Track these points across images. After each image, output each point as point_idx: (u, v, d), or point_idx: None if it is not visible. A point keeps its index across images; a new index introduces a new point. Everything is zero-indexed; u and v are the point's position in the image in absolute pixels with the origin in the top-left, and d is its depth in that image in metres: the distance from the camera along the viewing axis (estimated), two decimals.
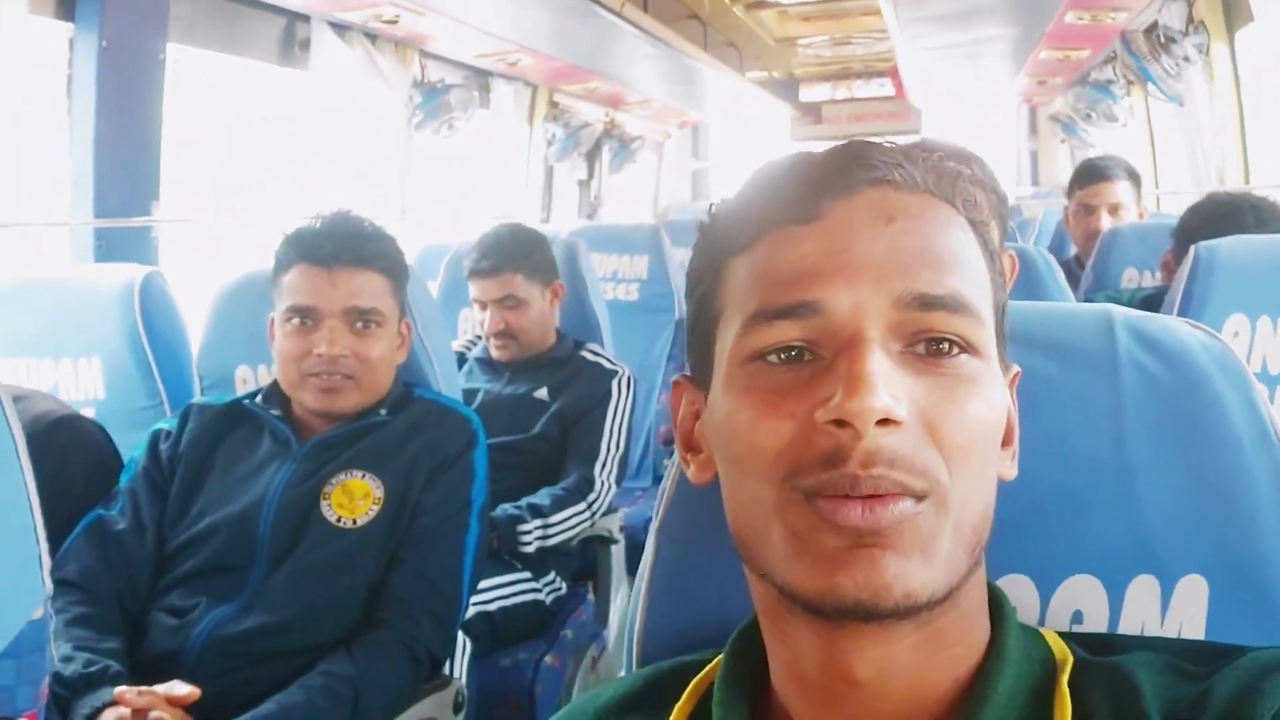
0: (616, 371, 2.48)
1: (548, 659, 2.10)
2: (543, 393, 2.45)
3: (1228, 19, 3.27)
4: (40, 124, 2.43)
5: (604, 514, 2.37)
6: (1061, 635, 0.64)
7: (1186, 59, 3.40)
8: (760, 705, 0.65)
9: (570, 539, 2.28)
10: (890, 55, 7.38)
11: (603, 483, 2.34)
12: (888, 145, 0.62)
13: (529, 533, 2.18)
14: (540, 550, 2.21)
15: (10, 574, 1.00)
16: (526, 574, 2.20)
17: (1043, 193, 6.72)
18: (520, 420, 2.40)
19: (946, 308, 0.57)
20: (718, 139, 8.92)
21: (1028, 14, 3.97)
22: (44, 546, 1.03)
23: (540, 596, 2.21)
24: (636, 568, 2.45)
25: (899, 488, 0.55)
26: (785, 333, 0.58)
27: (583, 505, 2.29)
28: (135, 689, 1.26)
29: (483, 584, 2.02)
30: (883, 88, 8.85)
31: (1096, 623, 0.71)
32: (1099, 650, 0.62)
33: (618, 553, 2.51)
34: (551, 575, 2.28)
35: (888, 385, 0.55)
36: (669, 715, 0.68)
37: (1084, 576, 0.71)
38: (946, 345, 0.57)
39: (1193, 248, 1.62)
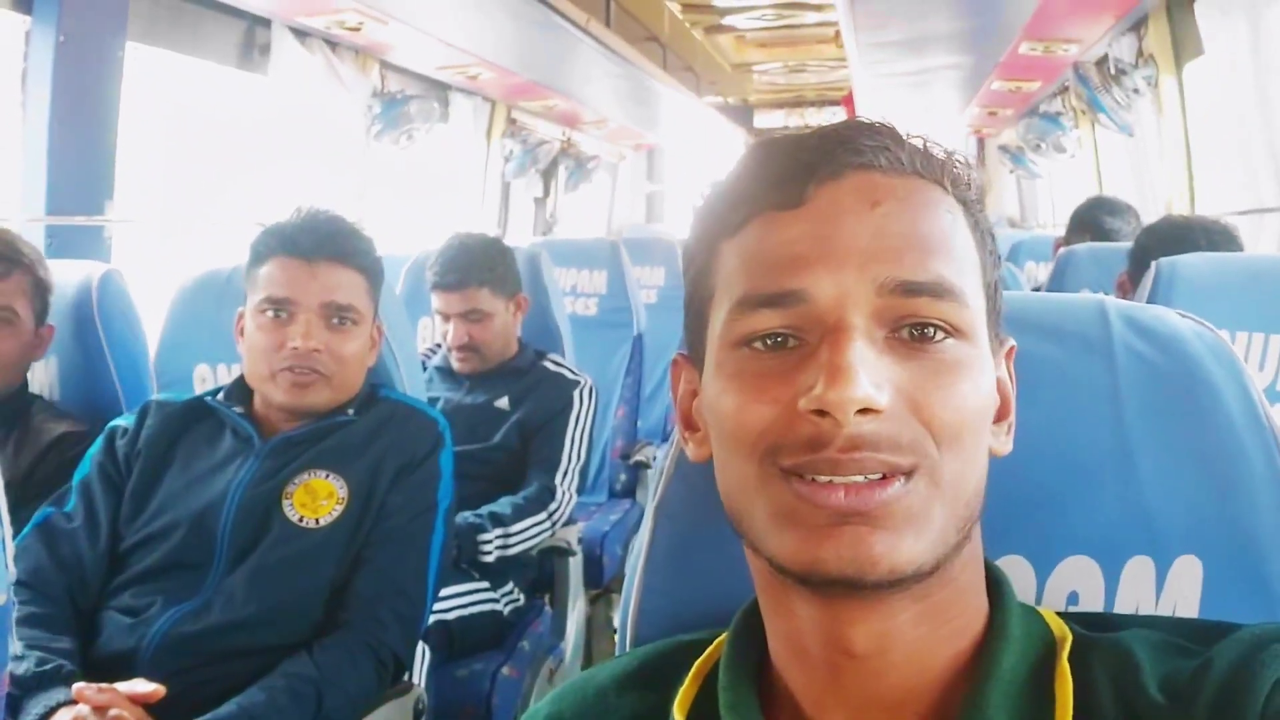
0: (578, 381, 2.47)
1: (505, 670, 2.08)
2: (503, 402, 2.43)
3: (1176, 53, 3.36)
4: None
5: (563, 525, 2.36)
6: (1059, 614, 0.65)
7: (1136, 90, 3.49)
8: (764, 686, 0.65)
9: (530, 548, 2.26)
10: (843, 84, 7.52)
11: (564, 492, 2.33)
12: (875, 125, 0.63)
13: (489, 541, 2.15)
14: (499, 560, 2.19)
15: None
16: (485, 584, 2.18)
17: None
18: (480, 429, 2.38)
19: (930, 293, 0.58)
20: (672, 163, 8.98)
21: (983, 44, 4.05)
22: (8, 531, 1.00)
23: (498, 607, 2.19)
24: (593, 581, 2.44)
25: (885, 467, 0.55)
26: (770, 321, 0.59)
27: (543, 515, 2.27)
28: (95, 686, 1.22)
29: (441, 593, 1.99)
30: (835, 116, 8.96)
31: (1092, 603, 0.72)
32: (1095, 628, 0.63)
33: (575, 565, 2.49)
34: (510, 586, 2.25)
35: (870, 373, 0.55)
36: (670, 695, 0.67)
37: (1080, 558, 0.72)
38: (931, 330, 0.58)
39: (1154, 263, 1.65)
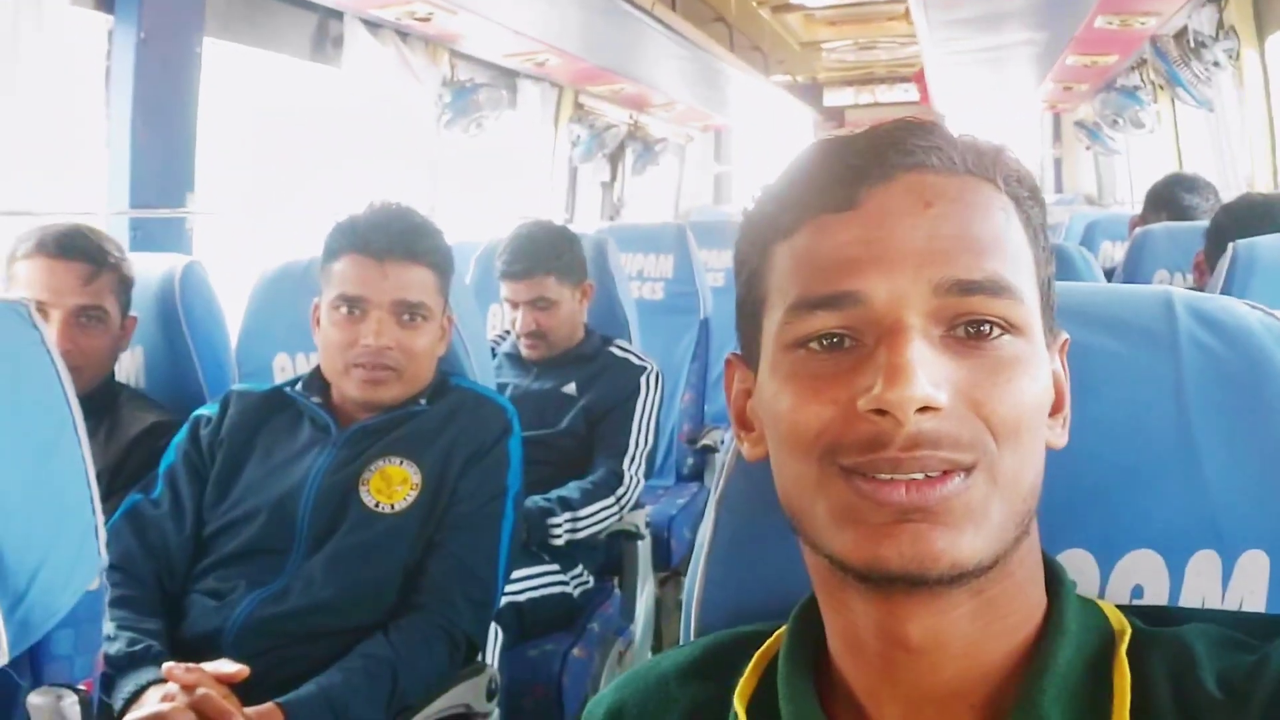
0: (645, 367, 2.49)
1: (575, 651, 2.11)
2: (570, 388, 2.46)
3: (1259, 25, 3.26)
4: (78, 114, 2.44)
5: (630, 509, 2.39)
6: (1119, 607, 0.65)
7: (1216, 64, 3.39)
8: (822, 678, 0.66)
9: (598, 532, 2.29)
10: (914, 60, 7.40)
11: (631, 477, 2.35)
12: (925, 125, 0.63)
13: (558, 525, 2.19)
14: (568, 543, 2.22)
15: (68, 545, 1.02)
16: (555, 566, 2.22)
17: (1066, 199, 6.71)
18: (548, 415, 2.41)
19: (986, 291, 0.58)
20: (740, 143, 8.92)
21: (1057, 19, 3.96)
22: (100, 519, 1.05)
23: (568, 589, 2.22)
24: (661, 564, 2.46)
25: (946, 464, 0.56)
26: (825, 322, 0.59)
27: (611, 499, 2.30)
28: (183, 665, 1.28)
29: (512, 575, 2.03)
30: (906, 93, 8.85)
31: (1157, 597, 0.72)
32: (1156, 622, 0.63)
33: (643, 548, 2.52)
34: (579, 569, 2.29)
35: (928, 372, 0.56)
36: (731, 685, 0.69)
37: (1145, 551, 0.72)
38: (988, 327, 0.58)
39: (1231, 245, 1.62)
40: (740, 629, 0.74)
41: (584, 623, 2.21)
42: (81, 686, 1.02)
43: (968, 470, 0.56)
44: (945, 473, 0.56)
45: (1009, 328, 0.58)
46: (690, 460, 3.37)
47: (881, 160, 0.61)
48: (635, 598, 2.48)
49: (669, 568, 2.93)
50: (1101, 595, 0.72)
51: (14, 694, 0.98)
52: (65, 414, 1.04)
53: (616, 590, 2.46)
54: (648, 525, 2.53)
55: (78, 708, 0.98)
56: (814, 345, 0.60)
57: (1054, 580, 0.64)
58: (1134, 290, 0.78)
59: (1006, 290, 0.58)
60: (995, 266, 0.59)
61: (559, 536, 2.19)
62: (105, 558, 1.07)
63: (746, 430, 0.69)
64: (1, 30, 2.08)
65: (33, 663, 1.03)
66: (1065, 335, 0.66)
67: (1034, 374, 0.59)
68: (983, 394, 0.57)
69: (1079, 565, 0.72)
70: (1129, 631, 0.62)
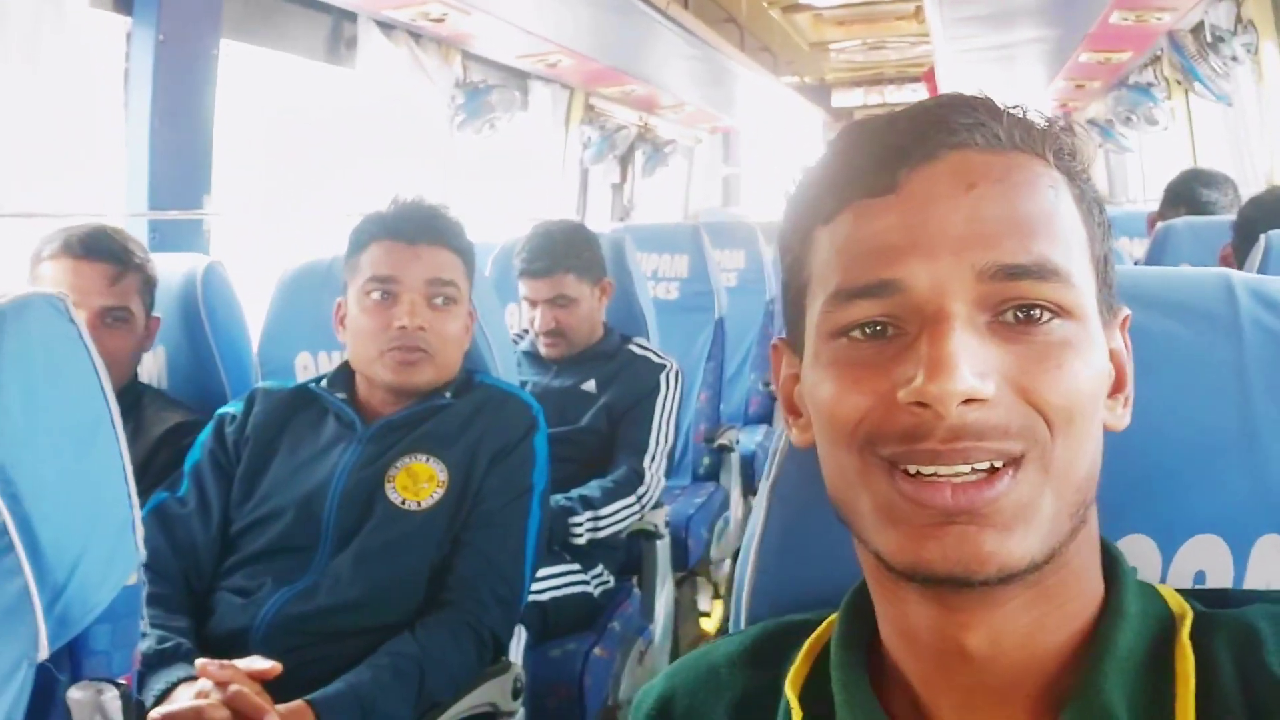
0: (664, 365, 2.49)
1: (597, 650, 2.11)
2: (590, 385, 2.46)
3: (1278, 18, 3.24)
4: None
5: (651, 508, 2.38)
6: (1179, 591, 0.63)
7: (1235, 58, 3.37)
8: (875, 666, 0.65)
9: (619, 531, 2.28)
10: (923, 60, 7.40)
11: (652, 475, 2.35)
12: (970, 100, 0.60)
13: (580, 524, 2.18)
14: (589, 543, 2.22)
15: (106, 539, 1.02)
16: (576, 565, 2.21)
17: None
18: (568, 412, 2.41)
19: (1034, 275, 0.56)
20: (748, 145, 8.92)
21: (1071, 15, 3.94)
22: (137, 514, 1.04)
23: (589, 589, 2.22)
24: (678, 564, 2.45)
25: (992, 455, 0.54)
26: (867, 311, 0.58)
27: (632, 498, 2.29)
28: (217, 662, 1.27)
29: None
30: (915, 93, 8.85)
31: (1220, 583, 0.71)
32: (1217, 605, 0.62)
33: (663, 548, 2.51)
34: (599, 568, 2.28)
35: (973, 361, 0.54)
36: (782, 673, 0.68)
37: (1207, 536, 0.71)
38: (1038, 312, 0.56)
39: (1263, 236, 1.61)
40: (790, 617, 0.73)
41: (605, 622, 2.21)
42: (121, 681, 1.01)
43: (1017, 463, 0.54)
44: (993, 471, 0.54)
45: (1059, 311, 0.56)
46: (706, 460, 3.36)
47: (922, 140, 0.58)
48: (655, 597, 2.47)
49: (686, 568, 2.92)
50: (1163, 581, 0.71)
51: (53, 689, 0.97)
52: (102, 407, 1.03)
53: (636, 590, 2.45)
54: (667, 524, 2.52)
55: (119, 702, 0.97)
56: (856, 334, 0.58)
57: (1111, 566, 0.62)
58: (1192, 273, 0.77)
59: (1055, 273, 0.56)
60: (1043, 248, 0.56)
61: (580, 535, 2.18)
62: (142, 552, 1.06)
63: (795, 416, 0.68)
64: (21, 32, 2.08)
65: (71, 657, 1.02)
66: (1126, 311, 0.64)
67: (1087, 358, 0.57)
68: (1032, 380, 0.55)
69: (1140, 551, 0.71)
70: (1190, 614, 0.60)
